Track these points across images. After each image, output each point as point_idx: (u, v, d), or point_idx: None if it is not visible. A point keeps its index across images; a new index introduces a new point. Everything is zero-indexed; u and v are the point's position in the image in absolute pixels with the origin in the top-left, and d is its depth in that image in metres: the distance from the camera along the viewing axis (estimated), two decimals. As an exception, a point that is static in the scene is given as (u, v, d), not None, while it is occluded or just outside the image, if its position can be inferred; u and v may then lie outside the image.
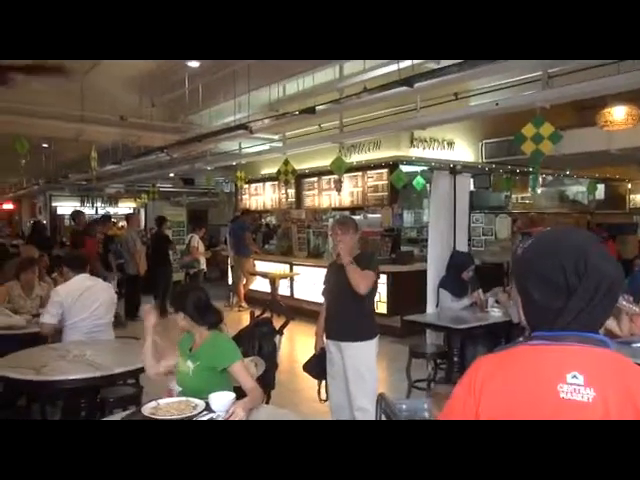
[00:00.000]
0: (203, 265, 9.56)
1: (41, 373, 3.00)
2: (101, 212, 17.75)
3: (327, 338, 3.70)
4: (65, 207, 20.01)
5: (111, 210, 19.71)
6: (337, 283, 3.67)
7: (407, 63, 5.57)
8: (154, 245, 9.45)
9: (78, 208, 14.67)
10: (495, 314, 4.62)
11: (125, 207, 20.30)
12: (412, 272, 7.31)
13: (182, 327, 2.69)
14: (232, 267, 10.31)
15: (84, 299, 3.94)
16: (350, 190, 10.42)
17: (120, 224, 17.18)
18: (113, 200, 20.66)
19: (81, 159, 13.27)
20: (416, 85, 5.40)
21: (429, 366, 4.96)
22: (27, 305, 4.59)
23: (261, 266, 9.92)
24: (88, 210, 17.92)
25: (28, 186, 18.52)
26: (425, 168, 9.49)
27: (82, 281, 4.06)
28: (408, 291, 7.03)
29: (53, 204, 20.19)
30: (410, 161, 9.49)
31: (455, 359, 4.36)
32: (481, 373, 1.11)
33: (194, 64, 7.32)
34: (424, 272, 5.60)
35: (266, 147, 9.86)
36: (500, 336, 4.47)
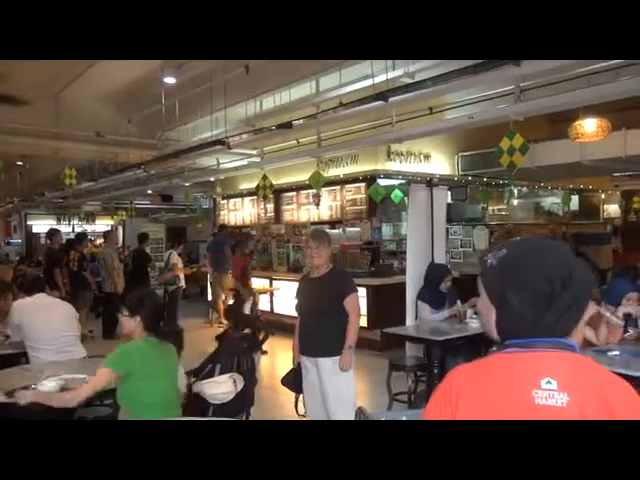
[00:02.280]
0: (182, 282, 9.47)
1: (13, 396, 2.92)
2: (78, 230, 17.51)
3: (302, 354, 3.67)
4: (41, 225, 19.69)
5: (88, 228, 19.47)
6: (310, 298, 3.66)
7: (382, 78, 5.63)
8: (134, 262, 9.33)
9: (54, 226, 14.43)
10: (474, 325, 4.64)
11: (102, 224, 20.07)
12: (392, 285, 7.33)
13: (128, 331, 2.77)
14: (211, 283, 10.22)
15: (43, 315, 3.91)
16: (329, 204, 10.45)
17: (97, 242, 16.99)
18: (90, 218, 20.42)
19: (57, 176, 13.12)
20: (391, 99, 5.47)
21: (409, 379, 4.96)
22: (0, 327, 4.49)
23: (241, 281, 9.85)
24: (64, 228, 17.66)
25: (2, 204, 18.20)
26: (402, 181, 9.56)
27: (38, 299, 4.07)
28: (388, 304, 7.04)
29: (28, 222, 19.85)
30: (387, 174, 9.56)
31: (435, 371, 4.37)
32: (456, 383, 1.12)
33: (170, 80, 7.31)
34: (404, 285, 5.62)
35: (244, 162, 9.86)
36: (480, 347, 4.49)
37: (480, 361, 1.15)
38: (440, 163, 10.53)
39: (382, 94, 5.41)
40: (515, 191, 11.82)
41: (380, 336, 6.84)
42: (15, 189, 14.78)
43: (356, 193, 9.99)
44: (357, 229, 9.76)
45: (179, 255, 9.55)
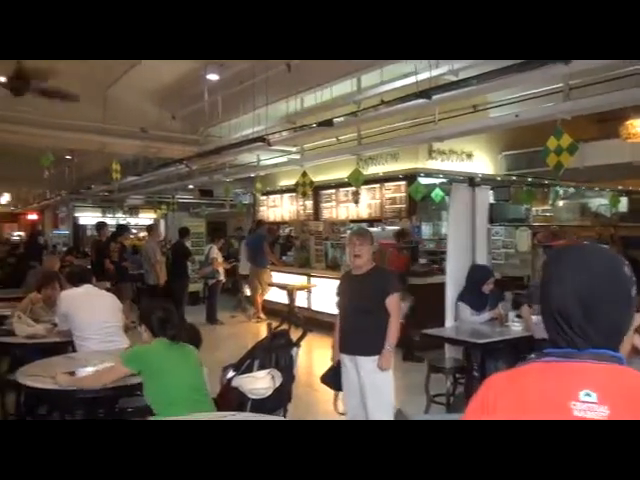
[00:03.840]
0: (222, 276, 9.60)
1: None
2: (122, 223, 17.93)
3: (342, 352, 3.67)
4: (87, 217, 20.31)
5: (132, 221, 19.90)
6: (351, 296, 3.65)
7: (425, 75, 5.57)
8: (174, 256, 9.52)
9: (100, 219, 14.87)
10: (516, 328, 4.54)
11: (145, 218, 20.52)
12: (430, 285, 7.25)
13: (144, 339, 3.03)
14: (244, 277, 10.28)
15: (89, 305, 4.03)
16: (368, 202, 10.41)
17: (141, 235, 17.39)
18: (134, 211, 20.89)
19: (103, 171, 13.51)
20: (434, 97, 5.40)
21: (448, 381, 4.89)
22: (48, 315, 4.65)
23: (279, 277, 9.92)
24: (109, 220, 18.14)
25: (52, 197, 18.84)
26: (444, 180, 9.45)
27: (85, 289, 4.19)
28: (426, 304, 6.97)
29: (75, 215, 20.50)
30: (428, 173, 9.46)
31: (475, 374, 4.29)
32: (493, 392, 1.11)
33: (213, 77, 7.41)
34: (442, 285, 5.55)
35: (284, 159, 9.91)
36: (522, 351, 4.39)
37: (518, 369, 1.14)
38: (483, 162, 10.34)
39: (425, 92, 5.35)
40: (561, 191, 11.52)
41: (418, 336, 6.77)
42: (63, 182, 15.29)
43: (396, 191, 9.92)
44: (396, 228, 9.69)
45: (219, 249, 9.68)
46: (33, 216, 26.05)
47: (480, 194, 5.74)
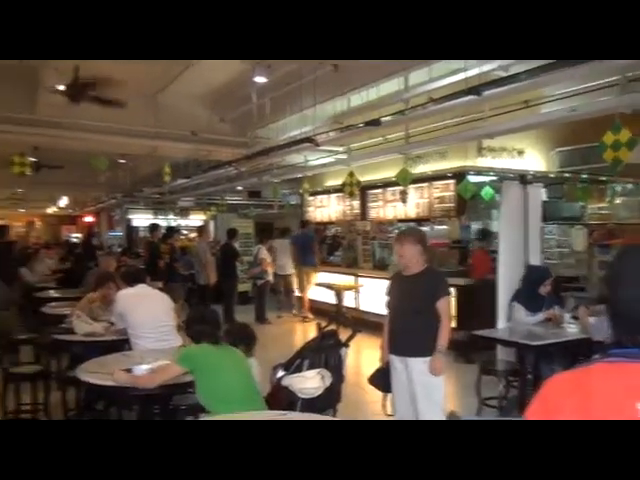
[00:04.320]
0: (270, 276, 9.70)
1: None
2: (173, 224, 18.38)
3: (391, 353, 3.64)
4: (140, 219, 20.95)
5: (182, 222, 20.40)
6: (401, 296, 3.62)
7: (474, 71, 5.46)
8: (222, 257, 9.70)
9: (152, 220, 15.31)
10: (571, 330, 4.39)
11: (195, 219, 20.99)
12: (481, 285, 7.10)
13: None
14: (282, 277, 10.36)
15: (144, 305, 4.16)
16: (416, 201, 10.30)
17: (191, 236, 17.79)
18: (184, 212, 21.40)
19: (155, 174, 13.90)
20: (484, 94, 5.29)
21: (500, 384, 4.78)
22: (105, 315, 4.81)
23: (326, 277, 9.94)
24: (161, 222, 18.64)
25: (107, 200, 19.53)
26: (494, 178, 9.25)
27: (139, 289, 4.33)
28: (477, 305, 6.84)
29: (129, 216, 21.18)
30: (478, 171, 9.27)
31: (529, 377, 4.18)
32: (556, 392, 1.08)
33: (261, 79, 7.49)
34: (494, 285, 5.43)
35: (331, 159, 9.93)
36: (579, 354, 4.24)
37: (580, 370, 1.10)
38: (535, 159, 10.05)
39: (475, 88, 5.25)
40: (618, 188, 11.05)
41: (469, 338, 6.65)
42: (118, 186, 15.81)
43: (444, 190, 9.77)
44: (445, 227, 9.56)
45: (268, 250, 9.79)
46: (89, 218, 27.09)
47: (532, 192, 5.59)
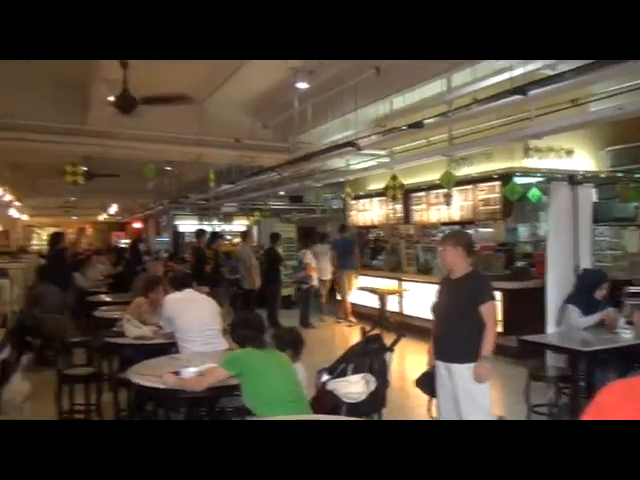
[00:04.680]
0: (315, 281, 9.73)
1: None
2: (217, 230, 18.72)
3: (436, 358, 3.59)
4: (185, 225, 21.41)
5: (226, 227, 20.72)
6: (447, 300, 3.57)
7: (519, 71, 5.35)
8: (266, 261, 9.80)
9: (197, 226, 15.61)
10: (626, 336, 4.22)
11: (239, 224, 21.29)
12: (528, 289, 6.94)
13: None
14: (321, 282, 10.39)
15: (191, 309, 4.25)
16: (460, 204, 10.15)
17: (235, 241, 18.05)
18: (228, 218, 21.73)
19: (200, 180, 14.19)
20: (530, 93, 5.17)
21: (551, 390, 4.65)
22: (153, 318, 4.93)
23: (369, 282, 9.91)
24: (206, 227, 18.98)
25: (154, 206, 20.05)
26: (541, 179, 9.01)
27: (186, 294, 4.43)
28: (524, 309, 6.67)
29: (175, 222, 21.68)
30: (525, 172, 9.06)
31: (581, 384, 4.05)
32: (611, 399, 1.05)
33: (303, 85, 7.55)
34: (541, 289, 5.29)
35: (373, 163, 9.90)
36: (634, 361, 4.08)
37: (637, 377, 1.06)
38: (584, 159, 9.74)
39: (520, 88, 5.13)
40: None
41: (516, 342, 6.50)
42: (164, 192, 16.22)
43: (490, 192, 9.59)
44: (490, 230, 9.37)
45: (313, 254, 9.84)
46: (138, 225, 27.88)
47: (582, 192, 5.42)
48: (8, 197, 13.77)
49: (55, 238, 8.38)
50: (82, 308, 7.31)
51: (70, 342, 5.81)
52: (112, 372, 5.33)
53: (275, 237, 10.02)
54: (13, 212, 20.01)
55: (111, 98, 6.65)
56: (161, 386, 3.18)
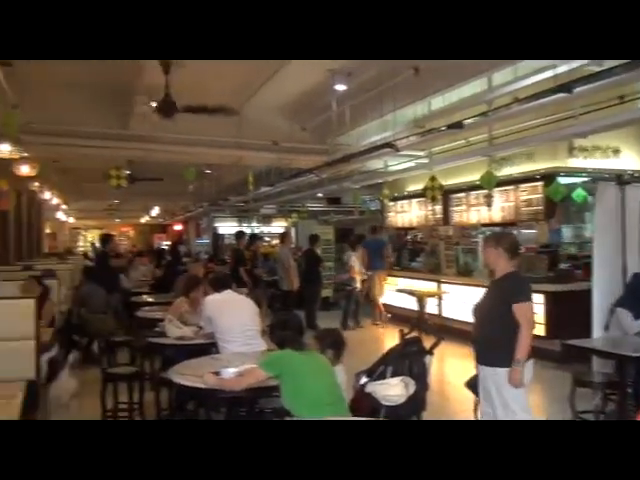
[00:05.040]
0: (358, 284, 9.70)
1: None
2: (256, 231, 18.92)
3: (475, 360, 3.53)
4: (225, 227, 21.72)
5: (265, 229, 20.92)
6: (485, 302, 3.51)
7: (563, 68, 5.21)
8: (306, 263, 9.84)
9: (236, 228, 15.82)
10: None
11: (277, 226, 21.46)
12: (573, 292, 6.74)
13: None
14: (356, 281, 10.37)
15: (230, 310, 4.29)
16: (501, 205, 9.97)
17: (273, 242, 18.18)
18: (267, 220, 21.94)
19: (239, 183, 14.37)
20: (575, 90, 5.03)
21: (597, 397, 4.50)
22: (193, 319, 5.01)
23: (408, 283, 9.82)
24: (245, 229, 19.21)
25: (194, 209, 20.41)
26: (586, 179, 8.76)
27: (226, 295, 4.47)
28: (568, 312, 6.49)
29: (215, 224, 22.01)
30: (569, 172, 8.82)
31: (629, 390, 3.90)
32: None
33: (341, 87, 7.55)
34: (587, 292, 5.13)
35: (412, 164, 9.82)
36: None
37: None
38: (632, 158, 9.41)
39: (565, 85, 5.00)
40: None
41: (560, 347, 6.33)
42: (204, 195, 16.50)
43: (532, 193, 9.39)
44: (533, 231, 9.15)
45: (356, 257, 9.82)
46: (178, 227, 28.44)
47: (631, 192, 5.24)
48: (56, 200, 14.24)
49: (102, 240, 8.59)
50: (126, 308, 7.49)
51: (114, 341, 5.97)
52: (154, 371, 5.44)
53: (314, 239, 10.06)
54: (60, 215, 20.71)
55: (153, 103, 6.80)
56: (202, 386, 3.22)
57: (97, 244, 25.21)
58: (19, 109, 6.54)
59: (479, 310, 3.56)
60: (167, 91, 6.43)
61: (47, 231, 22.93)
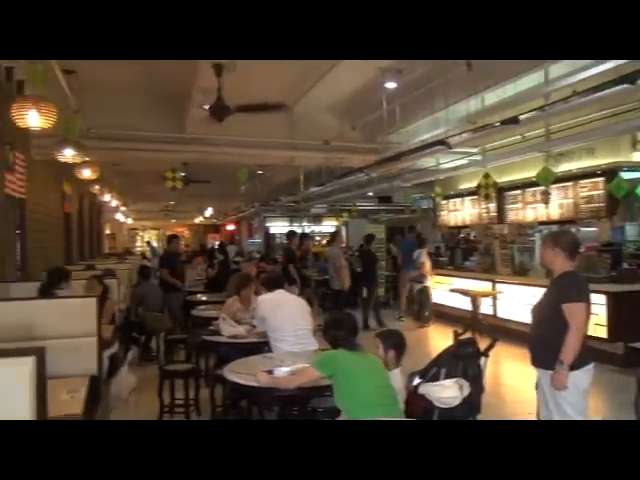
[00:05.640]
0: (429, 281, 9.60)
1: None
2: (307, 231, 19.03)
3: (530, 362, 3.42)
4: (276, 227, 21.96)
5: (315, 228, 21.02)
6: (541, 302, 3.40)
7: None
8: (363, 262, 9.85)
9: (287, 228, 15.96)
10: None
11: (328, 225, 21.52)
12: (637, 292, 6.44)
13: None
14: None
15: (282, 309, 4.32)
16: (559, 202, 9.63)
17: (323, 242, 18.23)
18: (317, 219, 22.04)
19: (290, 182, 14.50)
20: (639, 82, 4.80)
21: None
22: (246, 317, 5.09)
23: (461, 283, 9.64)
24: (295, 229, 19.35)
25: (246, 209, 20.74)
26: (652, 174, 8.35)
27: (278, 294, 4.51)
28: (632, 314, 6.20)
29: (266, 224, 22.29)
30: (632, 167, 8.43)
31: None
32: None
33: (391, 85, 7.49)
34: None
35: (465, 161, 9.63)
36: None
37: None
38: (702, 150, 8.90)
39: (628, 76, 4.78)
40: None
41: (623, 350, 6.06)
42: (256, 195, 16.74)
43: (592, 189, 9.03)
44: (594, 229, 8.80)
45: (428, 254, 9.74)
46: (231, 227, 28.97)
47: (701, 188, 4.96)
48: (115, 202, 14.79)
49: (168, 240, 8.81)
50: (183, 307, 7.68)
51: (170, 339, 6.14)
52: (209, 369, 5.57)
53: (370, 238, 10.11)
54: (119, 216, 21.48)
55: (206, 106, 6.95)
56: (255, 384, 3.27)
57: (153, 243, 26.04)
58: (80, 114, 6.83)
59: (535, 310, 3.46)
60: (219, 94, 6.55)
61: (107, 232, 23.85)
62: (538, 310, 3.39)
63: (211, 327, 5.02)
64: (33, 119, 4.29)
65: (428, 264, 9.59)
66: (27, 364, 1.54)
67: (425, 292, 9.60)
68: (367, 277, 9.58)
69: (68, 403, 2.67)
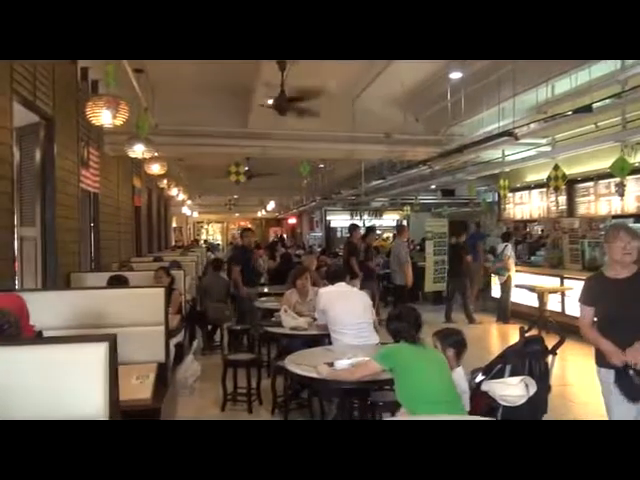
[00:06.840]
0: (512, 273, 9.34)
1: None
2: (368, 224, 18.95)
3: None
4: (337, 220, 22.01)
5: (376, 222, 20.91)
6: (616, 303, 3.22)
7: None
8: (451, 255, 9.79)
9: (348, 221, 15.97)
10: None
11: (389, 219, 21.35)
12: None
13: None
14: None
15: (343, 302, 4.34)
16: (636, 194, 9.12)
17: (384, 235, 18.12)
18: (378, 213, 21.91)
19: (351, 176, 14.48)
20: None
21: None
22: (304, 309, 5.14)
23: (527, 279, 9.32)
24: (356, 222, 19.32)
25: (307, 202, 20.91)
26: None
27: (339, 287, 4.53)
28: None
29: (327, 218, 22.38)
30: None
31: None
32: None
33: (456, 75, 7.31)
34: None
35: (532, 152, 9.28)
36: None
37: None
38: None
39: None
40: None
41: None
42: (317, 189, 16.82)
43: (672, 180, 8.49)
44: (673, 223, 8.28)
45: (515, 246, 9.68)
46: (292, 220, 29.29)
47: None
48: (181, 196, 15.26)
49: (242, 233, 8.96)
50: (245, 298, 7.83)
51: (233, 329, 6.29)
52: (270, 359, 5.67)
53: (460, 229, 10.00)
54: (185, 210, 22.18)
55: (269, 101, 7.05)
56: (316, 376, 3.30)
57: (214, 241, 26.69)
58: (149, 111, 7.08)
59: (615, 310, 3.27)
60: (282, 88, 6.62)
61: (174, 225, 24.69)
62: (622, 310, 3.16)
63: (273, 318, 5.11)
64: (106, 117, 4.49)
65: (513, 257, 9.35)
66: (101, 350, 1.62)
67: (507, 284, 9.33)
68: (454, 272, 9.59)
69: (137, 388, 2.80)
